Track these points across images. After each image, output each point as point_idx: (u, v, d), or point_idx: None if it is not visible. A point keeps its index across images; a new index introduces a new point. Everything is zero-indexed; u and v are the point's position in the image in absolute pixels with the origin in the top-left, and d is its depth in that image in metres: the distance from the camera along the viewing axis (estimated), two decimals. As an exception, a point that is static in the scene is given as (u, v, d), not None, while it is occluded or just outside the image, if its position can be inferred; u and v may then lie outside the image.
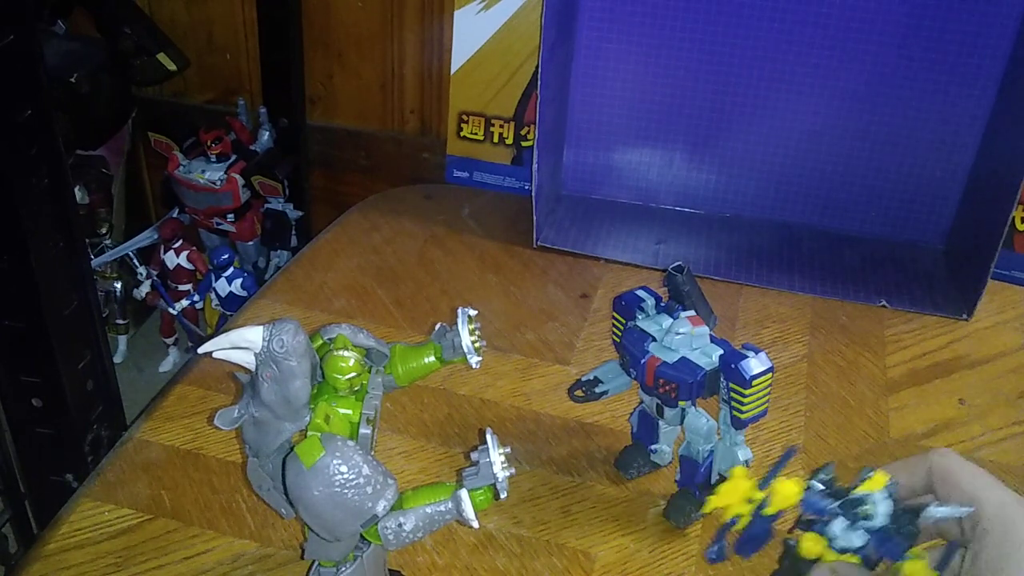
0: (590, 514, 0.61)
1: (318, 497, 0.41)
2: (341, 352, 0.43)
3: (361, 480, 0.41)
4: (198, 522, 0.59)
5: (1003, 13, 0.81)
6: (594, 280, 0.85)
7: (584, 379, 0.62)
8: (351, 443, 0.42)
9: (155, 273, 1.17)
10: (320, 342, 0.46)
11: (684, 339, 0.55)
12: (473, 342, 0.47)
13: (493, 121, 0.99)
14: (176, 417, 0.67)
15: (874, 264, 0.89)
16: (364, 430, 0.43)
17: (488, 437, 0.43)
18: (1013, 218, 0.86)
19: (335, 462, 0.41)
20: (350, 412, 0.44)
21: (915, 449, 0.68)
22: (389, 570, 0.52)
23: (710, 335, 0.55)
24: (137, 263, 1.17)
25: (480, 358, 0.48)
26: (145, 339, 1.30)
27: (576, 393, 0.62)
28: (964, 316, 0.82)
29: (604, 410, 0.70)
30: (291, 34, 1.08)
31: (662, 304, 0.58)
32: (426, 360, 0.49)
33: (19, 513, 0.97)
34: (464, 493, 0.43)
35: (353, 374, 0.43)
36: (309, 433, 0.43)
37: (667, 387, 0.54)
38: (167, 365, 1.25)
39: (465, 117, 1.00)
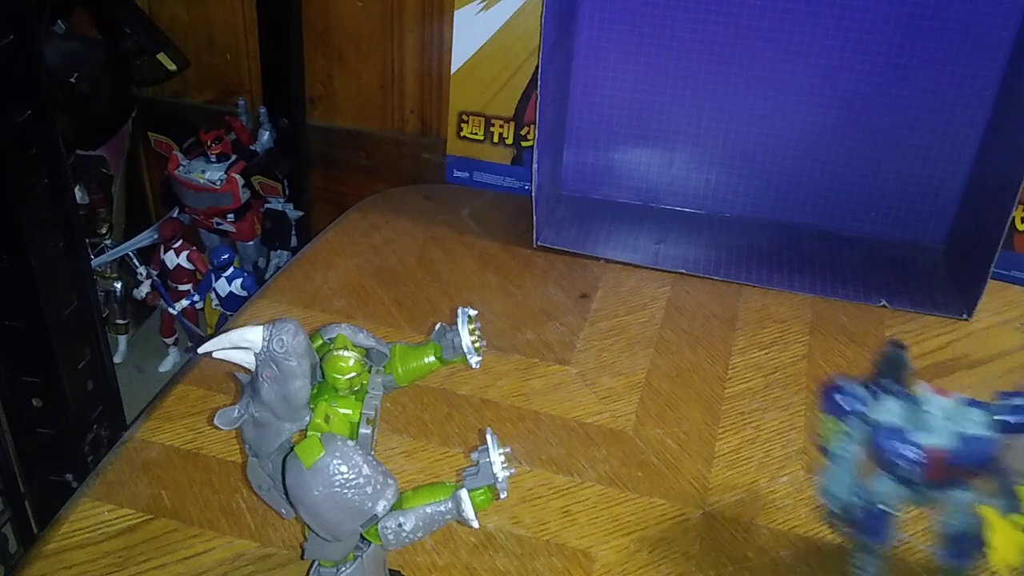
0: (590, 514, 0.61)
1: (318, 497, 0.41)
2: (341, 352, 0.43)
3: (361, 480, 0.41)
4: (198, 522, 0.59)
5: (1003, 13, 0.81)
6: (594, 280, 0.85)
7: (832, 510, 0.54)
8: (351, 443, 0.42)
9: (155, 273, 1.17)
10: (320, 342, 0.46)
11: (945, 414, 0.49)
12: (473, 342, 0.47)
13: (493, 121, 0.99)
14: (176, 417, 0.67)
15: (874, 264, 0.89)
16: (364, 430, 0.43)
17: (488, 437, 0.43)
18: (1013, 218, 0.86)
19: (335, 462, 0.41)
20: (350, 412, 0.44)
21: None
22: (389, 570, 0.52)
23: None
24: (137, 263, 1.17)
25: (480, 358, 0.48)
26: (145, 339, 1.30)
27: (840, 526, 0.55)
28: (964, 316, 0.82)
29: (604, 410, 0.70)
30: (291, 34, 1.08)
31: (878, 387, 0.52)
32: (426, 360, 0.49)
33: (19, 513, 0.96)
34: (464, 493, 0.43)
35: (353, 374, 0.43)
36: (309, 433, 0.43)
37: (963, 473, 0.48)
38: (167, 365, 1.25)
39: (465, 117, 1.00)
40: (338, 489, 0.41)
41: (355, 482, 0.41)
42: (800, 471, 0.65)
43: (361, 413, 0.44)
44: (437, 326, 0.49)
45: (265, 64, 1.12)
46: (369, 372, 0.46)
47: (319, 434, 0.42)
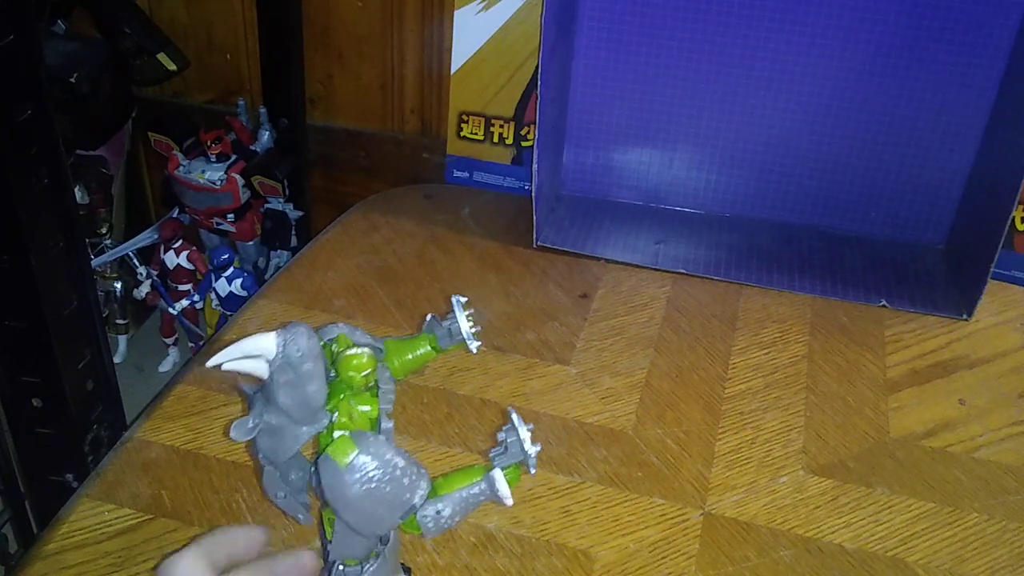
0: (590, 514, 0.61)
1: (358, 494, 0.41)
2: (355, 351, 0.44)
3: (397, 473, 0.41)
4: (198, 522, 0.59)
5: (1003, 12, 0.81)
6: (594, 280, 0.85)
7: None
8: (381, 438, 0.42)
9: (155, 273, 1.17)
10: (321, 343, 0.46)
11: None
12: (470, 327, 0.48)
13: (493, 121, 0.99)
14: (176, 417, 0.67)
15: (874, 264, 0.89)
16: (386, 424, 0.44)
17: (513, 416, 0.44)
18: (1013, 218, 0.86)
19: (369, 458, 0.41)
20: (368, 408, 0.44)
21: (915, 449, 0.68)
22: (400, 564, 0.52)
23: None
24: (137, 263, 1.17)
25: (479, 343, 0.48)
26: (145, 339, 1.30)
27: None
28: (964, 316, 0.82)
29: (604, 410, 0.70)
30: (291, 34, 1.08)
31: None
32: (421, 351, 0.49)
33: (19, 513, 0.96)
34: (498, 472, 0.43)
35: (369, 370, 0.43)
36: (337, 433, 0.43)
37: None
38: (167, 365, 1.25)
39: (465, 117, 1.00)
40: (376, 484, 0.41)
41: (391, 475, 0.41)
42: (800, 471, 0.65)
43: (380, 408, 0.44)
44: (428, 317, 0.49)
45: (265, 64, 1.12)
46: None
47: (348, 432, 0.42)
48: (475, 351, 0.48)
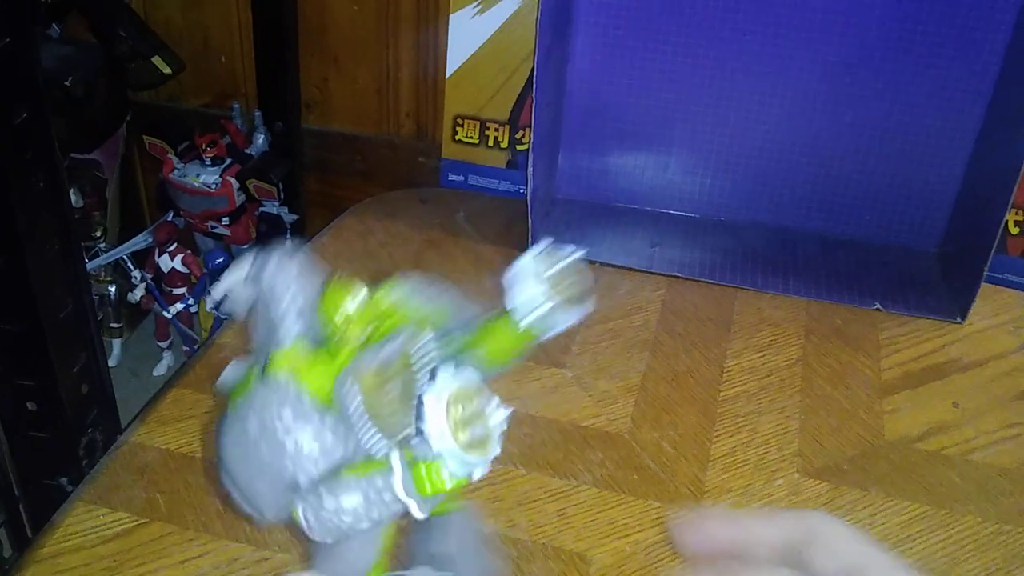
0: (586, 517, 0.61)
1: (230, 447, 0.32)
2: (345, 281, 0.34)
3: (278, 434, 0.31)
4: (193, 526, 0.59)
5: (997, 17, 0.82)
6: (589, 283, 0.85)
7: None
8: (291, 390, 0.32)
9: (149, 276, 1.17)
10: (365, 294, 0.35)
11: None
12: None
13: (488, 125, 0.99)
14: (171, 420, 0.67)
15: (868, 267, 0.89)
16: (344, 388, 0.31)
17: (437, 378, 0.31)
18: (1006, 222, 0.86)
19: (257, 406, 0.32)
20: (322, 361, 0.33)
21: (910, 452, 0.68)
22: None
23: None
24: (131, 266, 1.17)
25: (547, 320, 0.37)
26: (140, 343, 1.30)
27: None
28: (958, 319, 0.82)
29: (600, 413, 0.70)
30: (286, 38, 1.08)
31: None
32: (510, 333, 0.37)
33: (13, 517, 0.96)
34: (396, 459, 0.30)
35: (350, 311, 0.33)
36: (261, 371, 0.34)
37: None
38: (162, 369, 1.25)
39: (460, 121, 1.00)
40: (252, 442, 0.32)
41: (274, 435, 0.31)
42: (795, 474, 0.65)
43: (347, 368, 0.31)
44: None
45: (260, 68, 1.12)
46: (396, 325, 0.35)
47: (259, 374, 0.33)
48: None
